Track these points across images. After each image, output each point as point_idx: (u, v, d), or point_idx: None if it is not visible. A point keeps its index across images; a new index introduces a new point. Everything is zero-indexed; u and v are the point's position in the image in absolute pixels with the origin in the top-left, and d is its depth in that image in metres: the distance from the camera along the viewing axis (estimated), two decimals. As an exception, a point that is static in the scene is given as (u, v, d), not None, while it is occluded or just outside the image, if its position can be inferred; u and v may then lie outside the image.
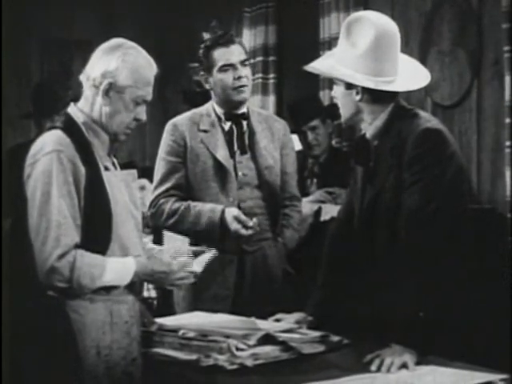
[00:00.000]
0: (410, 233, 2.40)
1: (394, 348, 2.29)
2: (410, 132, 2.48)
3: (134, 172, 2.56)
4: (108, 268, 2.32)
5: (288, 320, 2.70)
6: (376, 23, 2.52)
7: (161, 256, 2.50)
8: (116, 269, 2.34)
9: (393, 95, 2.57)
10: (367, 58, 2.50)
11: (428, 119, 2.54)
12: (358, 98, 2.55)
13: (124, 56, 2.39)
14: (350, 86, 2.55)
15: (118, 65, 2.38)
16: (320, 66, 2.63)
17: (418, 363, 2.27)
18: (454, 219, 2.44)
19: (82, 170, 2.32)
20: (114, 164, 2.49)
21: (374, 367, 2.25)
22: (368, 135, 2.60)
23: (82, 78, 2.44)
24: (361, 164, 2.66)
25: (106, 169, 2.42)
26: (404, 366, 2.25)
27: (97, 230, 2.34)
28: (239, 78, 3.22)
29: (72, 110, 2.44)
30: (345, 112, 2.61)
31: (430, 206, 2.39)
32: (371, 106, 2.56)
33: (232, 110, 3.29)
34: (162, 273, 2.42)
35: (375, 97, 2.55)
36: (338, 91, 2.60)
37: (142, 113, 2.43)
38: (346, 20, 2.59)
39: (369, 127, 2.59)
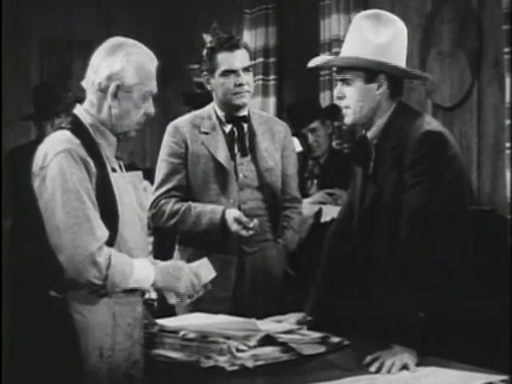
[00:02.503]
0: (411, 234, 2.40)
1: (394, 349, 2.29)
2: (412, 133, 2.47)
3: (140, 174, 2.56)
4: (136, 267, 2.33)
5: (288, 321, 2.70)
6: (392, 18, 2.56)
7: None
8: (141, 268, 2.35)
9: (401, 92, 2.57)
10: (391, 46, 2.51)
11: (429, 121, 2.55)
12: (379, 91, 2.54)
13: (127, 55, 2.37)
14: (370, 80, 2.53)
15: (123, 65, 2.36)
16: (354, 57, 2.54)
17: (418, 364, 2.27)
18: (454, 220, 2.44)
19: (93, 169, 2.31)
20: (120, 166, 2.49)
21: (373, 369, 2.25)
22: (369, 134, 2.60)
23: (86, 84, 2.41)
24: (361, 164, 2.65)
25: (114, 170, 2.42)
26: (405, 367, 2.25)
27: None
28: (240, 85, 3.23)
29: (78, 111, 2.42)
30: (360, 109, 2.55)
31: (431, 207, 2.40)
32: (385, 102, 2.56)
33: (233, 112, 3.30)
34: (176, 276, 2.40)
35: (392, 91, 2.55)
36: (352, 89, 2.54)
37: (150, 107, 2.43)
38: (359, 17, 2.58)
39: (370, 126, 2.59)
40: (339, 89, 2.59)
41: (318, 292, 2.76)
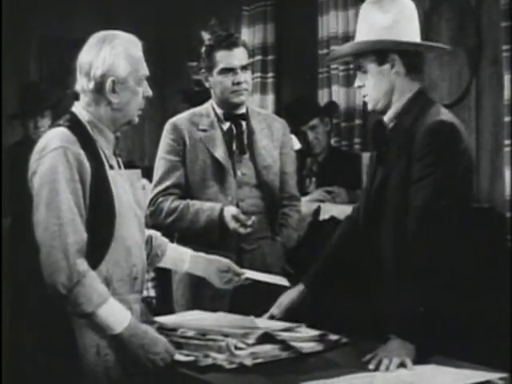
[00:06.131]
0: (417, 230, 2.37)
1: (392, 346, 2.28)
2: (425, 121, 2.43)
3: (139, 172, 2.57)
4: (108, 303, 2.26)
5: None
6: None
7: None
8: (114, 310, 2.28)
9: (418, 69, 2.55)
10: (398, 25, 2.50)
11: (444, 112, 2.50)
12: (393, 71, 2.51)
13: (113, 49, 2.39)
14: (382, 61, 2.51)
15: (112, 60, 2.37)
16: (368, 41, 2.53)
17: (417, 362, 2.26)
18: (460, 217, 2.42)
19: (88, 168, 2.31)
20: (118, 163, 2.49)
21: (371, 366, 2.24)
22: (385, 118, 2.58)
23: (79, 87, 2.43)
24: (376, 148, 2.62)
25: (111, 167, 2.42)
26: (402, 364, 2.24)
27: (100, 229, 2.33)
28: (238, 83, 3.23)
29: (76, 108, 2.43)
30: (377, 92, 2.54)
31: (438, 202, 2.37)
32: (402, 82, 2.53)
33: (231, 110, 3.30)
34: (148, 342, 2.30)
35: (408, 69, 2.52)
36: (369, 75, 2.53)
37: (147, 89, 2.45)
38: (365, 5, 2.57)
39: (388, 109, 2.56)
40: (358, 79, 2.59)
41: (319, 269, 2.74)
